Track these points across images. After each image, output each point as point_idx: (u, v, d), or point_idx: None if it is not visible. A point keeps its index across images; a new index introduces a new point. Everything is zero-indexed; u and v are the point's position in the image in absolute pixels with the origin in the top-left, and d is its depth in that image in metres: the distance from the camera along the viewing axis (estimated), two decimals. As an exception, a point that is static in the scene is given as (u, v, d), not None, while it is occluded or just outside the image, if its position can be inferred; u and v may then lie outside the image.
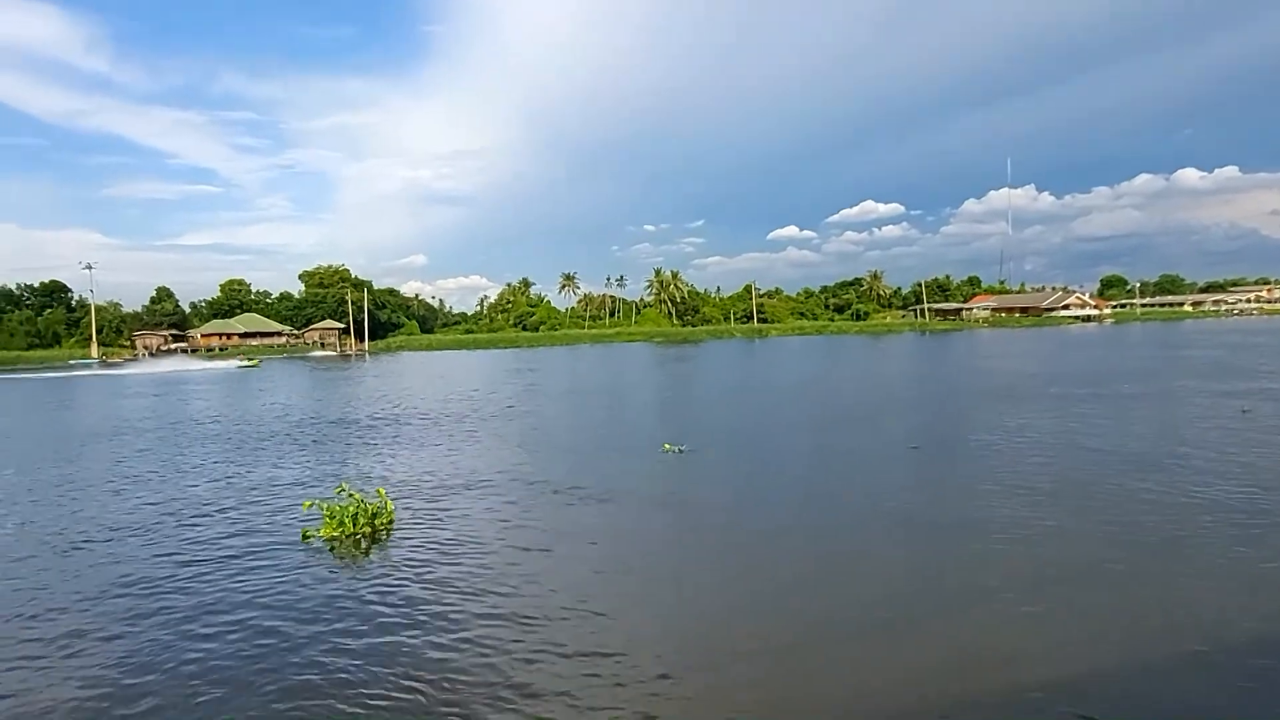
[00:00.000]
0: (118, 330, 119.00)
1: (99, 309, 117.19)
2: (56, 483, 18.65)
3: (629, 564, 10.82)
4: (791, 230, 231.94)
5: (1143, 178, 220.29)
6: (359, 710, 6.77)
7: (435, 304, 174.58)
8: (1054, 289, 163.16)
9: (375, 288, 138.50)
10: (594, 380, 47.23)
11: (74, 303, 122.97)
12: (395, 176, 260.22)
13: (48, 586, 10.70)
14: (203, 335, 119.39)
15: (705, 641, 8.13)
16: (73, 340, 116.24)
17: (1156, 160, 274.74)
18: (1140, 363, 42.87)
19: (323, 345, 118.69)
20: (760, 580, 10.07)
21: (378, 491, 13.85)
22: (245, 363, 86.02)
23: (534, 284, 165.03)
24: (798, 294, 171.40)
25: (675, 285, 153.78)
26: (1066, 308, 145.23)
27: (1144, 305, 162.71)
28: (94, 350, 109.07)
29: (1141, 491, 13.64)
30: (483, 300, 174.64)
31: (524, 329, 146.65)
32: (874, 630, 8.26)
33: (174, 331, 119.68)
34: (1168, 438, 18.92)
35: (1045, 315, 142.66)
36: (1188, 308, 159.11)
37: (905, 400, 30.29)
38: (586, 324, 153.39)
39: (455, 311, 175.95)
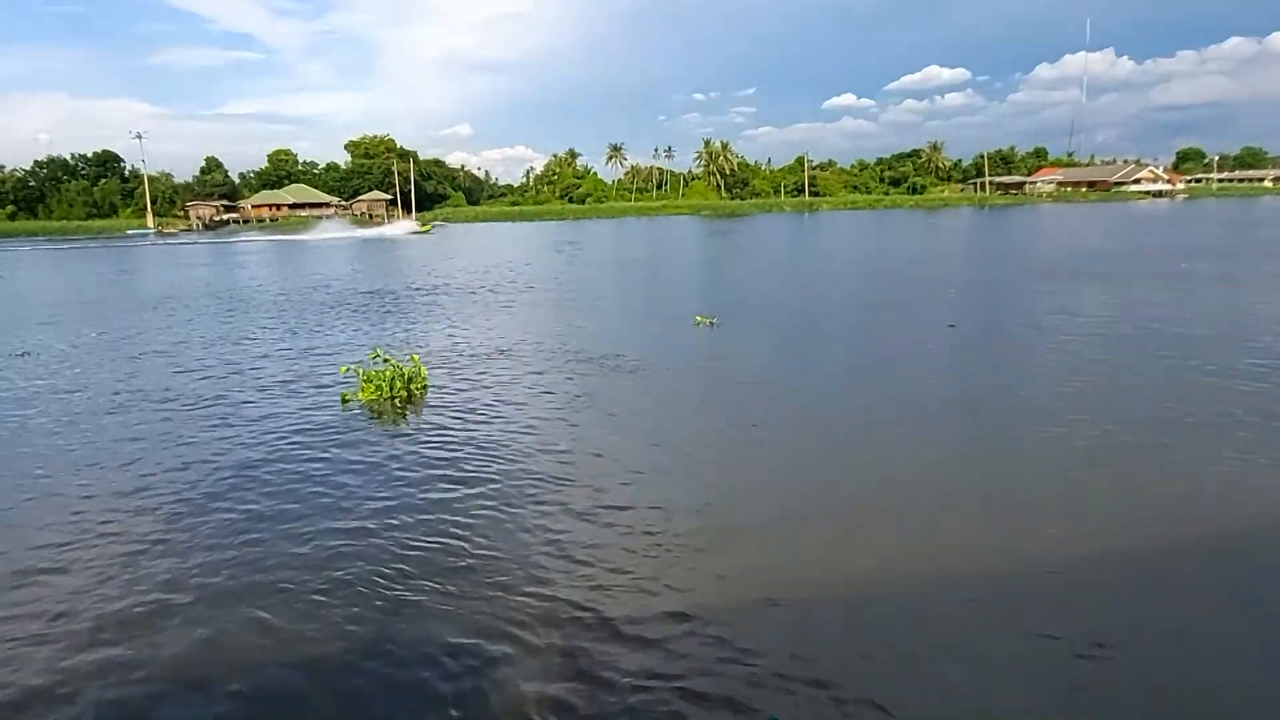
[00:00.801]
0: (171, 200, 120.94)
1: (151, 179, 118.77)
2: (129, 345, 19.52)
3: (656, 432, 11.07)
4: (848, 99, 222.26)
5: (1233, 41, 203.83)
6: (399, 566, 7.18)
7: (481, 175, 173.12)
8: (1125, 162, 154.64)
9: (421, 159, 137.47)
10: (636, 253, 47.00)
11: (127, 173, 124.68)
12: (438, 43, 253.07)
13: (96, 443, 11.38)
14: (253, 206, 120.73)
15: (727, 508, 8.37)
16: (129, 210, 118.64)
17: (1250, 22, 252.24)
18: (1207, 240, 40.99)
19: (371, 217, 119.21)
20: (781, 453, 10.25)
21: (411, 358, 14.22)
22: (420, 228, 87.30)
23: (580, 155, 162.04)
24: (851, 166, 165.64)
25: (725, 156, 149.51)
26: (1137, 182, 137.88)
27: (1220, 180, 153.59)
28: (150, 220, 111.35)
29: (1189, 374, 13.27)
30: (529, 172, 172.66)
31: (570, 201, 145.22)
32: (887, 507, 8.40)
33: (225, 202, 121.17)
34: (1225, 320, 18.29)
35: (1114, 190, 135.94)
36: (1268, 183, 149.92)
37: (947, 277, 29.61)
38: (633, 197, 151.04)
39: (501, 184, 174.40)
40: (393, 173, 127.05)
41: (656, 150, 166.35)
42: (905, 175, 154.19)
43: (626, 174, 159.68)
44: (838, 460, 9.92)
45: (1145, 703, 5.21)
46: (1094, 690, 5.30)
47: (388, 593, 6.68)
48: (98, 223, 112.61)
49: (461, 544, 7.57)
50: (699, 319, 19.90)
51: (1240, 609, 6.27)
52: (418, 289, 30.09)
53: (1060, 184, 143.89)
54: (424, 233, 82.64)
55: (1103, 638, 5.82)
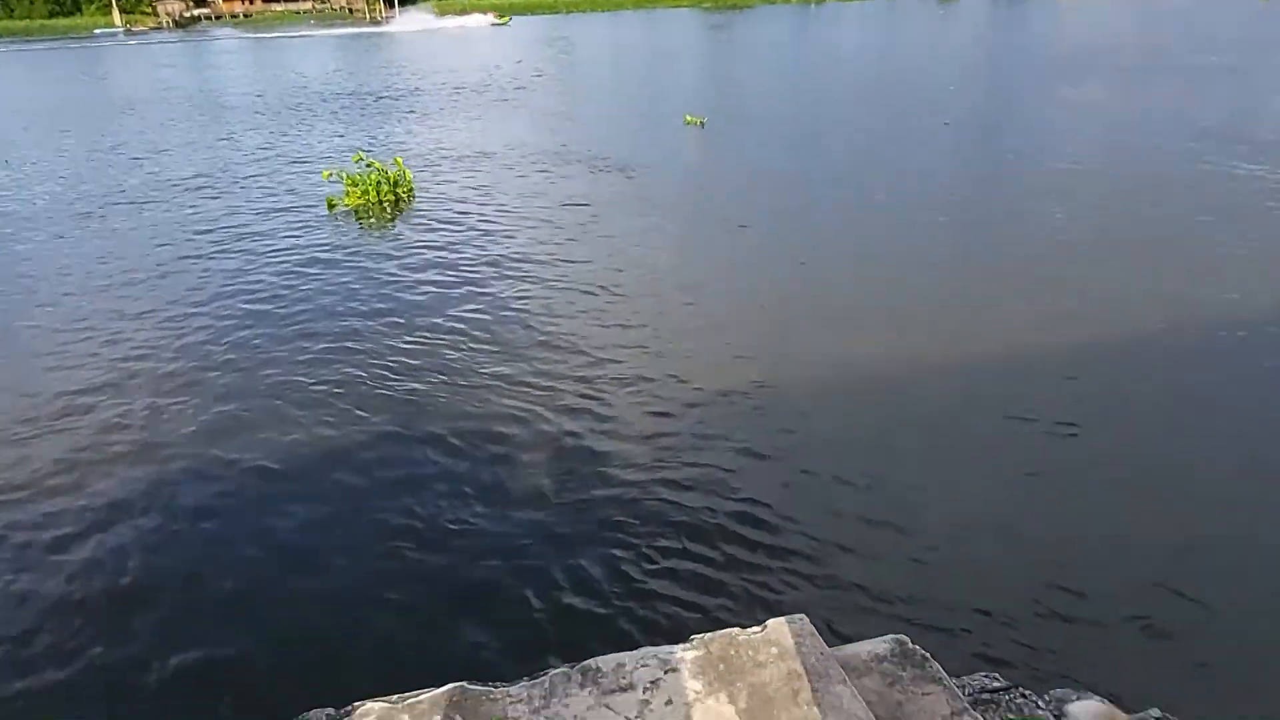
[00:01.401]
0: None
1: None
2: (106, 148, 19.21)
3: (643, 233, 11.25)
4: None
5: None
6: (401, 360, 7.60)
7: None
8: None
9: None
10: (627, 49, 44.72)
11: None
12: None
13: (80, 249, 11.57)
14: (224, 1, 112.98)
15: (716, 303, 8.74)
16: (93, 7, 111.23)
17: None
18: (1242, 30, 38.85)
19: (351, 11, 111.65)
20: (766, 252, 10.48)
21: (395, 161, 14.10)
22: (497, 21, 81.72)
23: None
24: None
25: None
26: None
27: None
28: (116, 18, 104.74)
29: (1196, 176, 13.16)
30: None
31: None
32: (873, 302, 8.75)
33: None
34: (1243, 115, 17.84)
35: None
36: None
37: (949, 74, 28.42)
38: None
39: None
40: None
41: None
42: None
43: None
44: (824, 259, 10.17)
45: (1109, 473, 5.74)
46: (1064, 462, 5.87)
47: (395, 385, 7.14)
48: (62, 21, 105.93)
49: (459, 339, 8.00)
50: (688, 119, 19.44)
51: (1210, 394, 6.74)
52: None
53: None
54: (503, 25, 77.05)
55: (1074, 419, 6.33)
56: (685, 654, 2.49)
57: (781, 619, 2.62)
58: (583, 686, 2.38)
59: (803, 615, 2.63)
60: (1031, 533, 5.14)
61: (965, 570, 4.82)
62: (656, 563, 4.89)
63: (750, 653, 2.49)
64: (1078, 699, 3.09)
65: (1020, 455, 5.93)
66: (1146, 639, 4.38)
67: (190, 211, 13.28)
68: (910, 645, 2.75)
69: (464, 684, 2.37)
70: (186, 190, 14.94)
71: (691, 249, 10.61)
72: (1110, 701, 3.11)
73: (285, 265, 10.44)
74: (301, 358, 7.69)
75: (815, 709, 2.30)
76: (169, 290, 9.69)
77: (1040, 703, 2.92)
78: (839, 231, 11.15)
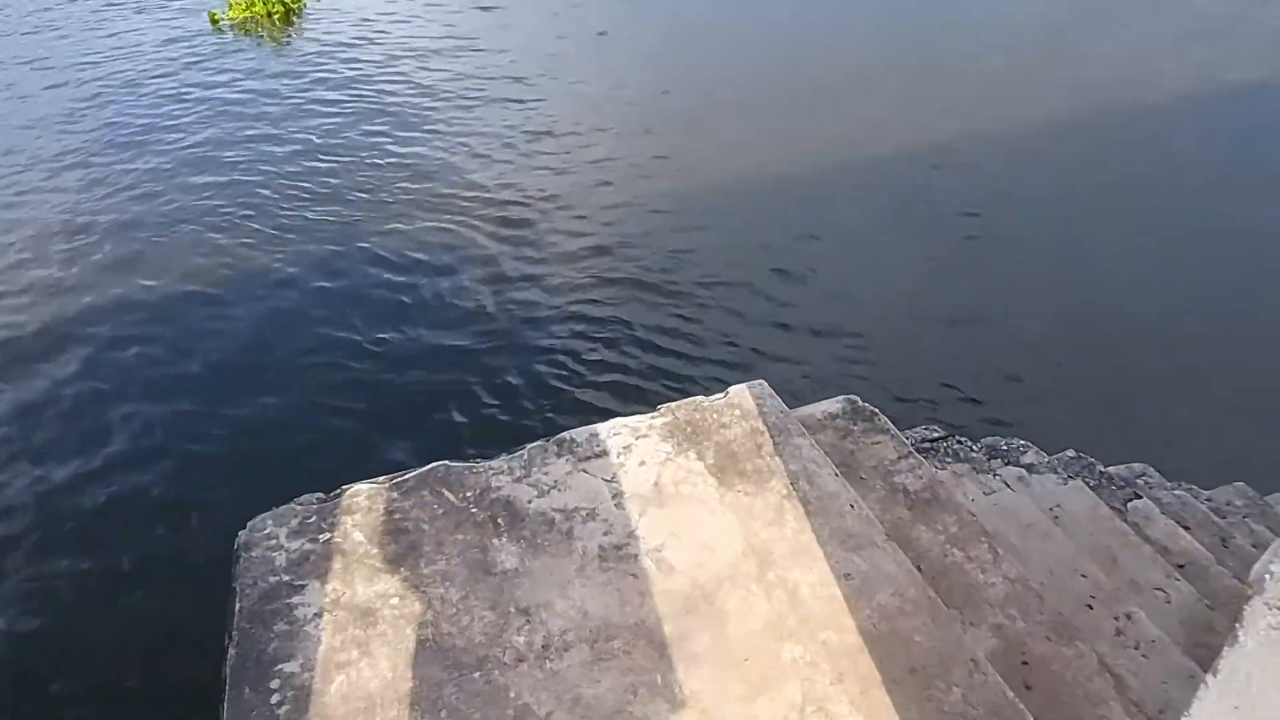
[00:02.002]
0: None
1: None
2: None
3: (556, 26, 10.62)
4: None
5: None
6: (303, 186, 7.18)
7: None
8: None
9: None
10: None
11: None
12: None
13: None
14: None
15: (637, 98, 8.47)
16: None
17: None
18: None
19: None
20: (685, 47, 10.07)
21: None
22: None
23: None
24: None
25: None
26: None
27: None
28: None
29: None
30: None
31: None
32: (790, 100, 8.59)
33: None
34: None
35: None
36: None
37: None
38: None
39: None
40: None
41: None
42: None
43: None
44: (740, 55, 9.84)
45: (1007, 250, 6.14)
46: (968, 241, 6.17)
47: (313, 207, 6.73)
48: None
49: (373, 158, 7.59)
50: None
51: (1103, 182, 7.03)
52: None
53: None
54: None
55: (975, 206, 6.55)
56: (654, 421, 2.61)
57: (742, 385, 2.75)
58: (559, 456, 2.50)
59: (762, 380, 2.77)
60: (952, 305, 5.48)
61: (899, 340, 5.17)
62: (612, 352, 5.05)
63: (715, 416, 2.63)
64: (1006, 445, 3.38)
65: (934, 234, 6.22)
66: (1061, 389, 4.83)
67: (53, 36, 11.90)
68: (860, 403, 2.94)
69: (446, 462, 2.46)
70: (40, 9, 13.32)
71: (612, 45, 10.12)
72: (1032, 444, 3.42)
73: (169, 90, 9.57)
74: (203, 184, 7.18)
75: (777, 458, 2.47)
76: (36, 126, 8.83)
77: (974, 447, 3.20)
78: (758, 29, 10.74)
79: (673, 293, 5.62)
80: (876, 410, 2.94)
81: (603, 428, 2.59)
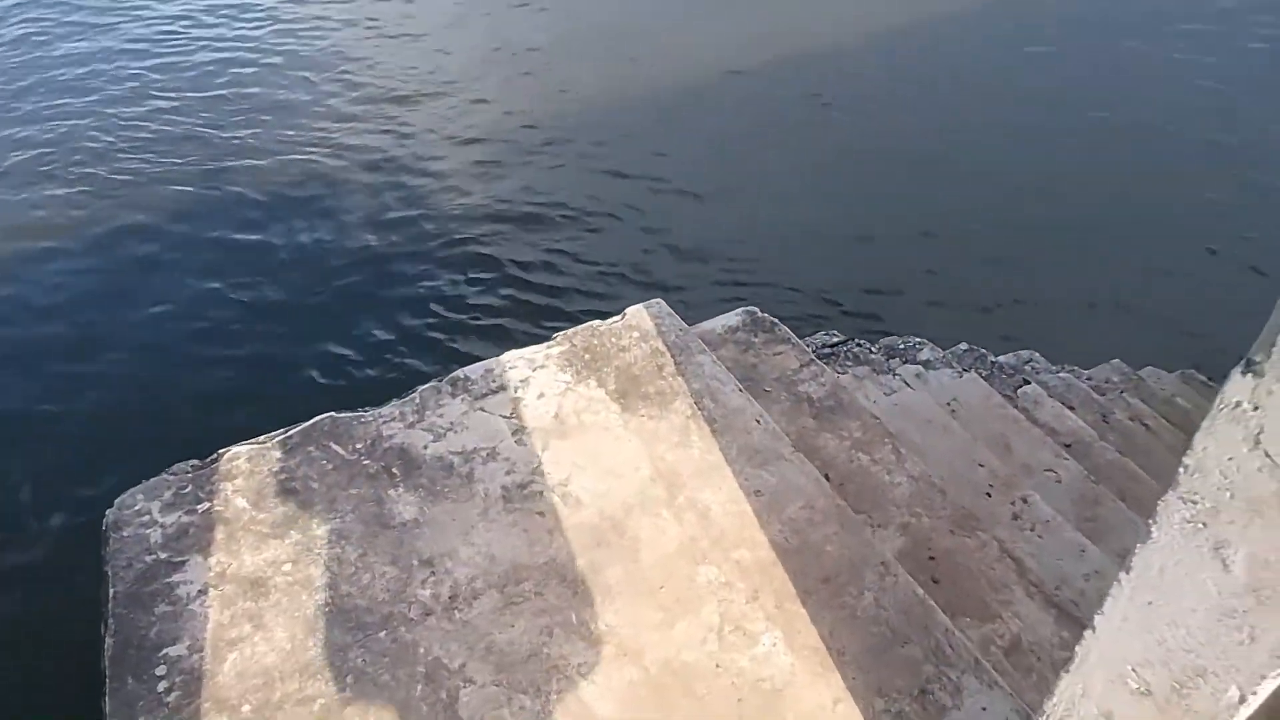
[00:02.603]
0: None
1: None
2: None
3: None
4: None
5: None
6: (144, 143, 6.53)
7: None
8: None
9: None
10: None
11: None
12: None
13: None
14: None
15: (495, 35, 8.02)
16: None
17: None
18: None
19: None
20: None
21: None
22: None
23: None
24: None
25: None
26: None
27: None
28: None
29: None
30: None
31: None
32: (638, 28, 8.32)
33: None
34: None
35: None
36: None
37: None
38: None
39: None
40: None
41: None
42: None
43: None
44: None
45: (848, 135, 6.27)
46: (813, 124, 6.28)
47: (160, 146, 6.11)
48: None
49: (225, 89, 6.94)
50: None
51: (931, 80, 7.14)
52: None
53: None
54: None
55: (820, 91, 6.61)
56: (552, 350, 2.50)
57: (639, 305, 2.66)
58: (454, 395, 2.37)
59: (659, 300, 2.68)
60: (832, 219, 5.54)
61: (785, 255, 5.17)
62: (503, 287, 4.86)
63: (613, 339, 2.54)
64: (903, 345, 3.42)
65: (775, 124, 6.24)
66: (944, 289, 4.98)
67: None
68: (760, 314, 2.89)
69: (332, 414, 2.29)
70: None
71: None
72: (928, 341, 3.48)
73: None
74: (27, 135, 6.44)
75: (680, 378, 2.41)
76: None
77: (872, 349, 3.22)
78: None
79: (557, 222, 5.40)
80: (776, 321, 2.90)
81: (497, 363, 2.47)
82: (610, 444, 2.24)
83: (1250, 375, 0.72)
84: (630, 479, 2.15)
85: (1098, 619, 0.93)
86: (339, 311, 4.58)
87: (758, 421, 2.33)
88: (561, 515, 2.06)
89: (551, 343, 2.55)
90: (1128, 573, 0.90)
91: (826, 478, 2.35)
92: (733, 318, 2.90)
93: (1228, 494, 0.77)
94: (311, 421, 2.27)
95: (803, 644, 1.81)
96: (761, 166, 6.03)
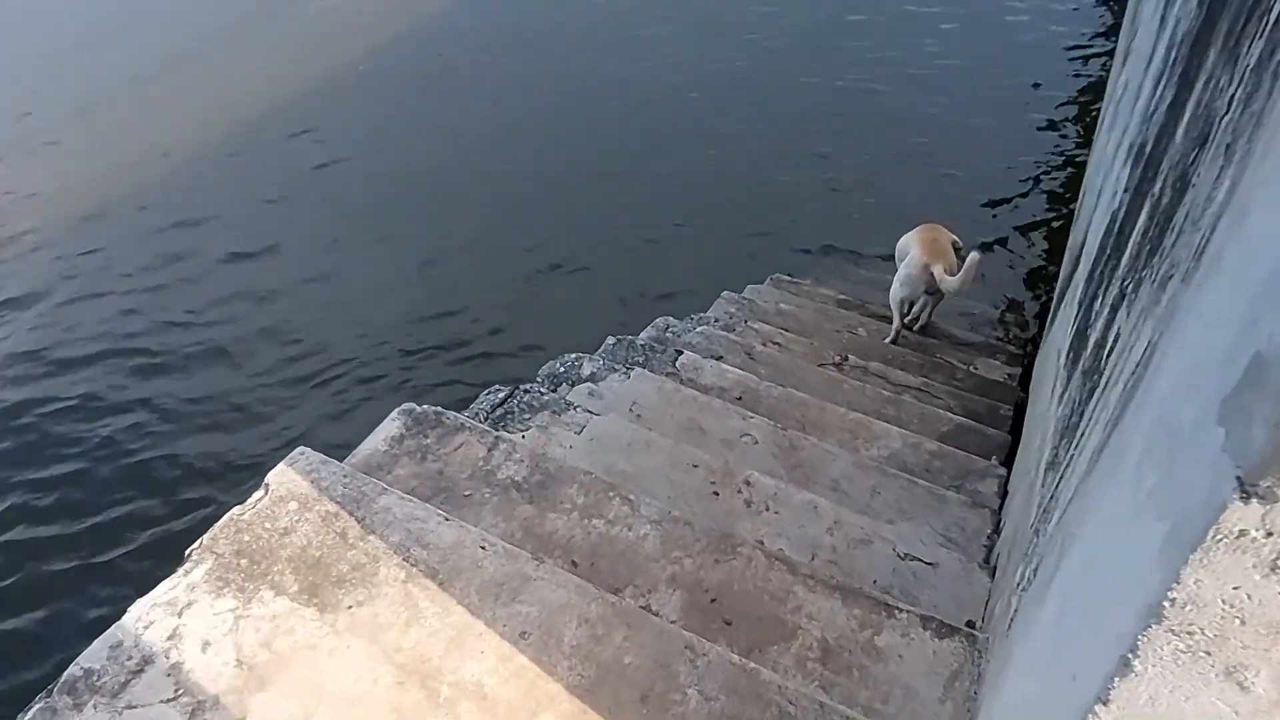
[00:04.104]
0: None
1: None
2: None
3: None
4: None
5: None
6: None
7: None
8: None
9: None
10: None
11: None
12: None
13: None
14: None
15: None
16: None
17: None
18: None
19: None
20: None
21: None
22: None
23: None
24: None
25: None
26: None
27: None
28: None
29: None
30: None
31: None
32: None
33: None
34: None
35: None
36: None
37: None
38: None
39: None
40: None
41: None
42: None
43: None
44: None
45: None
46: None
47: None
48: None
49: None
50: None
51: None
52: None
53: None
54: None
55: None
56: (192, 575, 1.87)
57: (280, 465, 2.11)
58: (79, 709, 1.66)
59: (301, 449, 2.16)
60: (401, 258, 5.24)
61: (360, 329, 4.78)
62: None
63: (268, 525, 1.98)
64: (561, 366, 3.24)
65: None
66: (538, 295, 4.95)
67: None
68: (419, 408, 2.50)
69: None
70: None
71: None
72: (578, 351, 3.34)
73: None
74: None
75: (373, 537, 1.96)
76: None
77: (541, 389, 2.99)
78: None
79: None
80: (439, 409, 2.53)
81: (121, 629, 1.78)
82: (329, 664, 1.73)
83: (1255, 501, 0.60)
84: (375, 697, 1.68)
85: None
86: None
87: (483, 547, 1.97)
88: (307, 801, 1.54)
89: (190, 564, 1.91)
90: (1105, 705, 0.78)
91: (574, 565, 2.09)
92: (391, 426, 2.46)
93: (1237, 621, 0.67)
94: None
95: (658, 792, 1.56)
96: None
